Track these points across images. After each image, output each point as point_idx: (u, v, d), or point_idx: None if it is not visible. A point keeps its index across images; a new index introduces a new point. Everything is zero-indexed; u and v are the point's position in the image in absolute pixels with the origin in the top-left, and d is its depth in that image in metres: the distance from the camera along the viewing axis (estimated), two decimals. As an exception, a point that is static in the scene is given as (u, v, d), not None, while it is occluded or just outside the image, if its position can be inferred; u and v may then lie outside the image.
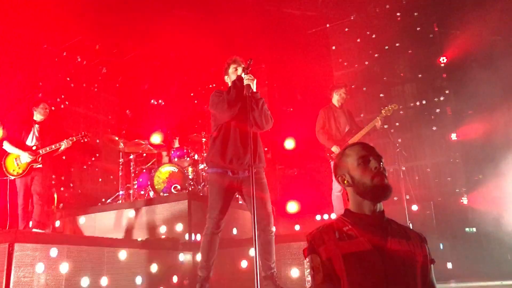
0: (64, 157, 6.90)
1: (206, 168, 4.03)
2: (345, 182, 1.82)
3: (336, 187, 5.74)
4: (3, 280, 3.49)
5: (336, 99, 5.98)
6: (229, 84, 4.02)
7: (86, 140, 5.96)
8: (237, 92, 3.77)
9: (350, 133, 5.78)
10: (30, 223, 5.66)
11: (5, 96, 6.50)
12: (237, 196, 6.35)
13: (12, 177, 5.71)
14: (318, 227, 1.75)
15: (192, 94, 9.49)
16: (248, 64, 3.82)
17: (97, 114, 8.57)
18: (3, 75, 6.60)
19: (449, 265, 5.65)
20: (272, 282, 3.71)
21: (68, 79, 7.96)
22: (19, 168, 5.70)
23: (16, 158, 5.71)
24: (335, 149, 5.66)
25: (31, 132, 5.86)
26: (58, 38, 7.73)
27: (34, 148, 5.73)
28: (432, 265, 1.74)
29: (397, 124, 7.26)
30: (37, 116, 5.95)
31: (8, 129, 5.79)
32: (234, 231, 5.70)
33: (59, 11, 6.66)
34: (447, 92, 7.12)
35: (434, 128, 7.05)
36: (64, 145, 5.75)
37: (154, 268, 4.68)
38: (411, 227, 5.07)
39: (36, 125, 5.93)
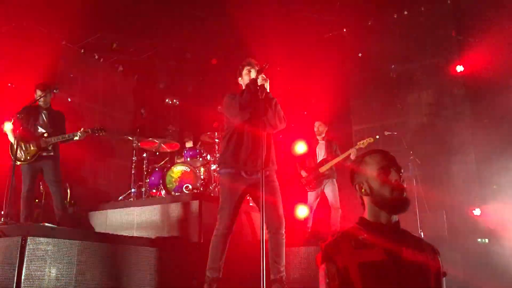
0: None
1: (218, 170, 4.04)
2: (363, 190, 1.79)
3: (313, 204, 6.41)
4: (15, 273, 3.54)
5: (319, 131, 6.67)
6: (243, 86, 4.03)
7: (102, 134, 5.72)
8: (250, 95, 3.78)
9: (322, 163, 6.40)
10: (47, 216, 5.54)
11: (23, 92, 6.57)
12: (248, 198, 6.42)
13: (19, 163, 5.42)
14: (333, 234, 1.74)
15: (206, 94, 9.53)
16: (264, 67, 3.82)
17: (112, 111, 8.65)
18: (22, 71, 6.68)
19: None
20: (280, 285, 3.70)
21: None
22: (28, 154, 5.45)
23: (25, 143, 5.45)
24: (303, 173, 6.49)
25: (39, 118, 5.64)
26: (77, 35, 7.83)
27: (45, 135, 5.53)
28: (444, 278, 1.73)
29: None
30: (41, 102, 5.67)
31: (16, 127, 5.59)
32: (245, 233, 5.70)
33: (78, 8, 6.74)
34: (463, 100, 7.04)
35: (448, 135, 6.98)
36: (78, 135, 5.52)
37: (163, 266, 4.70)
38: (422, 236, 5.04)
39: (44, 111, 5.70)
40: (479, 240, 6.16)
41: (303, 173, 6.46)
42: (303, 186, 6.54)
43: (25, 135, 5.49)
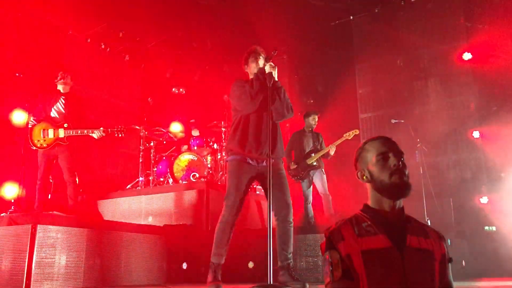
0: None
1: (225, 157, 4.04)
2: (364, 177, 1.79)
3: (308, 197, 6.40)
4: (26, 260, 3.61)
5: (306, 125, 6.64)
6: (249, 74, 4.03)
7: (121, 135, 5.66)
8: (260, 84, 3.78)
9: (308, 154, 6.43)
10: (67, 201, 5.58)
11: (30, 82, 6.61)
12: (255, 186, 6.46)
13: (35, 148, 5.44)
14: (337, 222, 1.73)
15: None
16: (272, 55, 3.81)
17: (119, 100, 8.68)
18: (29, 61, 6.72)
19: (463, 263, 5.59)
20: (288, 272, 3.73)
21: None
22: (45, 141, 5.44)
23: (44, 130, 5.46)
24: (291, 165, 6.45)
25: (58, 103, 5.62)
26: (83, 25, 7.83)
27: (65, 125, 5.49)
28: (450, 264, 1.72)
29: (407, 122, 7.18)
30: (61, 87, 5.67)
31: (34, 114, 5.65)
32: (254, 221, 5.75)
33: (85, -3, 6.74)
34: (471, 88, 6.99)
35: (456, 124, 6.94)
36: (96, 134, 5.52)
37: (171, 253, 4.76)
38: (429, 224, 5.04)
39: (62, 97, 5.67)
40: (486, 228, 6.15)
41: (292, 165, 6.46)
42: (291, 177, 6.50)
43: (45, 122, 5.52)
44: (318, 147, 6.52)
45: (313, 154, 6.38)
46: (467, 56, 6.97)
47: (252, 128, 3.85)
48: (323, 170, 6.46)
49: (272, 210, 3.73)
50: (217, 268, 3.76)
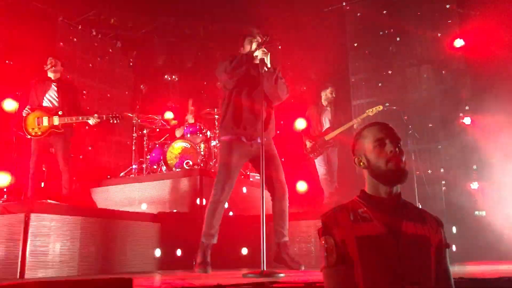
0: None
1: (218, 137, 4.04)
2: (361, 164, 1.79)
3: (322, 171, 6.32)
4: (19, 249, 3.61)
5: (323, 98, 6.54)
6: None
7: (116, 121, 5.67)
8: (240, 65, 3.78)
9: (327, 131, 6.31)
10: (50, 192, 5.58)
11: (20, 70, 6.54)
12: (248, 173, 6.48)
13: (29, 137, 5.39)
14: (333, 208, 1.74)
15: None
16: (264, 41, 3.81)
17: (111, 88, 8.62)
18: (19, 48, 6.63)
19: (453, 248, 5.68)
20: (285, 251, 3.79)
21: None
22: (40, 129, 5.40)
23: (38, 118, 5.41)
24: (307, 143, 6.36)
25: (50, 91, 5.59)
26: (74, 11, 7.73)
27: (60, 113, 5.47)
28: (447, 250, 1.73)
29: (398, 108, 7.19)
30: (51, 74, 5.64)
31: (28, 103, 5.57)
32: (246, 206, 5.77)
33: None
34: (463, 74, 7.01)
35: (448, 110, 6.98)
36: (92, 120, 5.50)
37: (166, 241, 4.78)
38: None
39: (53, 84, 5.63)
40: (476, 213, 6.24)
41: (308, 143, 6.34)
42: (307, 155, 6.43)
43: (39, 110, 5.48)
44: (339, 121, 6.31)
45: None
46: (459, 42, 6.96)
47: (244, 108, 3.87)
48: (336, 151, 6.36)
49: (268, 190, 3.77)
50: (206, 249, 3.78)
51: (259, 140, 3.77)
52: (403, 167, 1.72)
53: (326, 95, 6.49)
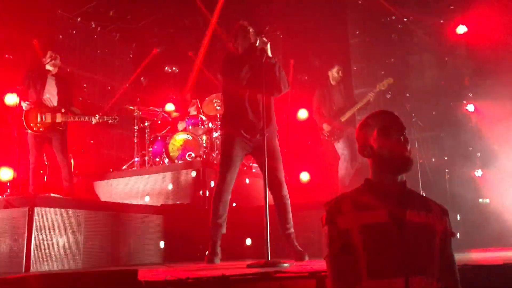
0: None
1: (219, 131, 4.06)
2: (365, 152, 1.78)
3: (347, 154, 5.94)
4: (24, 243, 3.61)
5: (330, 78, 6.23)
6: (238, 49, 4.01)
7: (114, 122, 5.85)
8: (249, 59, 3.77)
9: (341, 111, 6.00)
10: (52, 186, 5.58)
11: (20, 63, 6.51)
12: (251, 164, 6.47)
13: (29, 131, 5.40)
14: (337, 196, 1.73)
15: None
16: (263, 30, 3.80)
17: (112, 81, 8.59)
18: (18, 42, 6.60)
19: (458, 235, 5.66)
20: (290, 243, 3.80)
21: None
22: (42, 125, 5.40)
23: (41, 114, 5.41)
24: (325, 126, 5.99)
25: (49, 85, 5.59)
26: (72, 4, 7.69)
27: (63, 110, 5.51)
28: (451, 238, 1.72)
29: (407, 94, 7.14)
30: (50, 68, 5.63)
31: (28, 97, 5.54)
32: (249, 198, 5.76)
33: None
34: (465, 61, 6.96)
35: (451, 98, 6.94)
36: (94, 120, 5.62)
37: (169, 233, 4.78)
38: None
39: (53, 78, 5.64)
40: (480, 200, 6.22)
41: (326, 127, 6.00)
42: (327, 140, 6.10)
43: (41, 106, 5.47)
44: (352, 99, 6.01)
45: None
46: (462, 29, 6.89)
47: (246, 103, 3.87)
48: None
49: (268, 183, 3.78)
50: (215, 238, 3.81)
51: (258, 136, 3.80)
52: (409, 155, 1.70)
53: (333, 74, 6.19)
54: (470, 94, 6.86)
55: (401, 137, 1.71)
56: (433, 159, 6.73)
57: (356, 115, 6.10)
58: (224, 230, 3.87)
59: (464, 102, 6.85)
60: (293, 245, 3.84)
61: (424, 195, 5.28)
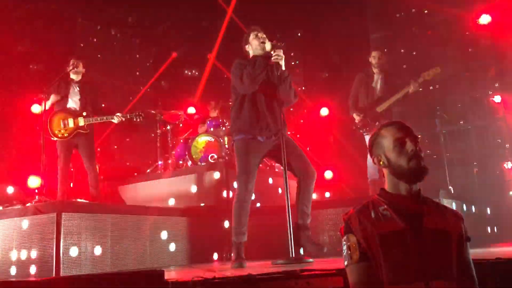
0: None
1: (233, 136, 4.05)
2: (381, 163, 1.83)
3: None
4: (53, 248, 3.67)
5: (372, 63, 5.74)
6: (250, 52, 4.04)
7: (140, 119, 5.75)
8: (262, 71, 3.81)
9: (379, 101, 5.54)
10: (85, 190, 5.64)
11: (45, 73, 6.64)
12: (274, 164, 6.45)
13: (55, 138, 5.46)
14: (355, 207, 1.79)
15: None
16: (279, 46, 3.83)
17: (133, 86, 8.70)
18: (42, 52, 6.74)
19: (488, 229, 5.51)
20: (306, 235, 3.77)
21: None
22: (66, 130, 5.47)
23: (63, 119, 5.48)
24: (354, 116, 5.61)
25: (73, 92, 5.66)
26: (92, 12, 7.82)
27: (84, 114, 5.56)
28: (468, 243, 1.75)
29: (437, 86, 7.00)
30: (74, 75, 5.70)
31: (52, 105, 5.59)
32: (270, 197, 5.74)
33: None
34: (490, 51, 6.78)
35: (477, 89, 6.78)
36: (116, 119, 5.61)
37: (195, 235, 4.80)
38: (452, 191, 4.93)
39: (76, 85, 5.70)
40: (511, 193, 6.05)
41: (356, 117, 5.58)
42: (356, 131, 5.70)
43: (64, 112, 5.56)
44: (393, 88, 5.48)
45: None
46: (485, 18, 6.69)
47: (259, 107, 3.89)
48: None
49: (296, 175, 3.85)
50: (239, 246, 3.80)
51: (273, 138, 3.85)
52: (424, 165, 1.76)
53: (374, 58, 5.64)
54: (497, 85, 6.69)
55: (416, 148, 1.77)
56: (460, 152, 6.57)
57: (393, 106, 5.60)
58: (245, 238, 3.86)
59: (490, 92, 6.68)
60: (310, 238, 3.83)
61: (452, 189, 5.16)
